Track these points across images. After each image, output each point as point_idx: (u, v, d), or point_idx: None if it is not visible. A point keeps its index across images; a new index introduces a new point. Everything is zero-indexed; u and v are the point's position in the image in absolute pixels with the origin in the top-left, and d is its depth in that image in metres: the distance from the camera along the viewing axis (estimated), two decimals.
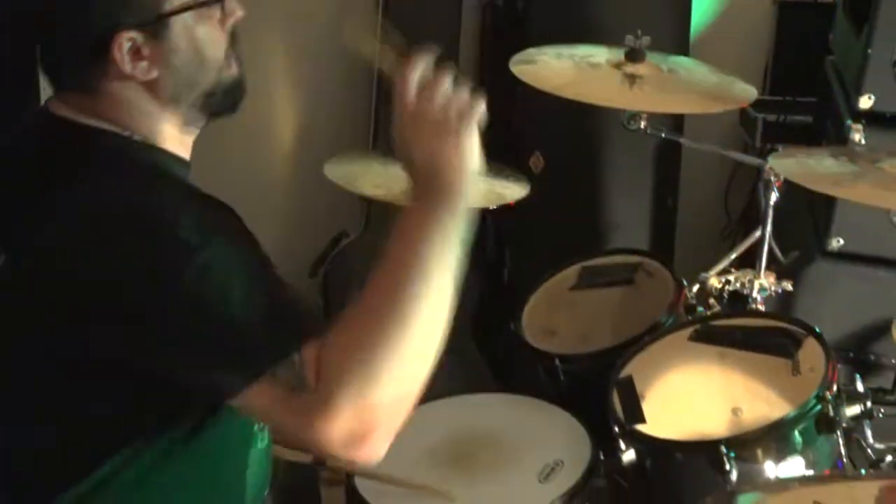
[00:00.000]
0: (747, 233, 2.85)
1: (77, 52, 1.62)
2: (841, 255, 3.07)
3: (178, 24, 1.63)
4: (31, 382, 1.61)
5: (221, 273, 1.52)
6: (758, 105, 3.64)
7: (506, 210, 3.52)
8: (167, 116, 1.68)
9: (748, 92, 2.64)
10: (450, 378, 2.99)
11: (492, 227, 3.69)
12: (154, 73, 1.63)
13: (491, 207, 2.67)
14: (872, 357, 3.08)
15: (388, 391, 1.51)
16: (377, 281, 1.59)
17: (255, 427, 1.76)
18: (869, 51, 2.92)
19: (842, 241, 3.03)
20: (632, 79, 2.60)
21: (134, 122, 1.66)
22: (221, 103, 1.72)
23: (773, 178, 2.53)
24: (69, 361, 1.57)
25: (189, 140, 1.74)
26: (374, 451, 1.52)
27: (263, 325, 1.52)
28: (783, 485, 1.86)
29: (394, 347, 1.52)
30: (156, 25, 1.61)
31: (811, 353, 2.27)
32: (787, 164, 2.46)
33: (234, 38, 1.71)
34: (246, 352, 1.52)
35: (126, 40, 1.59)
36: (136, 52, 1.61)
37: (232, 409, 1.59)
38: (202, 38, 1.66)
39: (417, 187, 1.66)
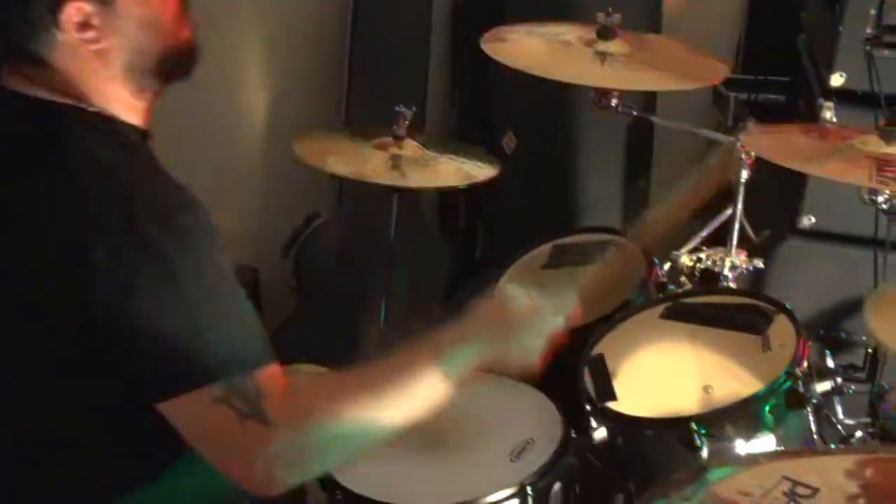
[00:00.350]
0: (719, 212, 2.84)
1: (26, 24, 1.59)
2: (812, 234, 3.07)
3: None
4: (20, 376, 1.61)
5: (189, 268, 1.52)
6: (730, 84, 3.63)
7: (477, 188, 3.53)
8: (120, 85, 1.66)
9: (720, 68, 2.63)
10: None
11: (464, 204, 3.69)
12: (104, 43, 1.61)
13: (461, 187, 2.65)
14: (843, 335, 3.09)
15: (331, 459, 1.62)
16: (388, 365, 1.65)
17: None
18: (840, 28, 2.92)
19: (813, 220, 3.04)
20: (603, 56, 2.60)
21: (88, 92, 1.63)
22: (175, 69, 1.70)
23: (743, 156, 2.52)
24: (49, 348, 1.57)
25: (143, 106, 1.71)
26: (277, 489, 1.56)
27: (224, 338, 1.52)
28: (753, 460, 1.85)
29: (360, 433, 1.58)
30: None
31: (782, 330, 2.27)
32: (759, 141, 2.46)
33: (185, 2, 1.70)
34: (201, 357, 1.51)
35: (75, 10, 1.57)
36: (85, 22, 1.59)
37: None
38: (153, 4, 1.64)
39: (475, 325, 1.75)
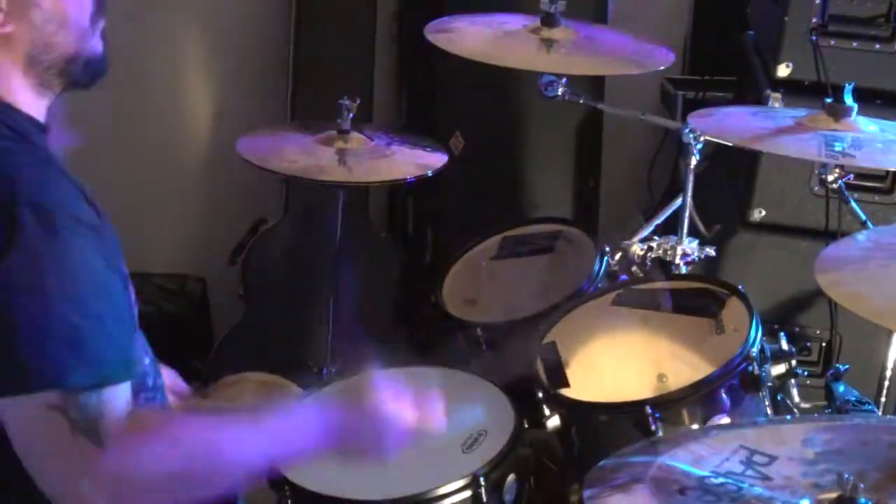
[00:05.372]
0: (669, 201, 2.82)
1: None
2: (763, 226, 3.07)
3: None
4: None
5: (57, 266, 1.46)
6: (677, 83, 3.65)
7: (426, 190, 3.51)
8: (21, 76, 1.60)
9: (667, 57, 2.62)
10: (369, 353, 2.96)
11: (412, 207, 3.66)
12: (9, 28, 1.56)
13: (409, 179, 2.62)
14: (797, 329, 3.08)
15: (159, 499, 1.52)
16: (230, 422, 1.60)
17: None
18: (786, 19, 2.93)
19: (763, 212, 3.03)
20: (548, 43, 2.58)
21: None
22: (80, 74, 1.65)
23: (692, 142, 2.51)
24: None
25: (44, 103, 1.66)
26: None
27: (81, 342, 1.46)
28: (706, 432, 1.83)
29: (194, 480, 1.52)
30: None
31: (735, 313, 2.25)
32: (707, 124, 2.44)
33: (101, 7, 1.65)
34: (46, 358, 1.44)
35: None
36: None
37: None
38: (65, 1, 1.59)
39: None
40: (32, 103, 1.63)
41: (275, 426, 1.63)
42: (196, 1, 3.64)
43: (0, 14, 1.54)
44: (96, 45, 1.65)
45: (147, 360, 1.79)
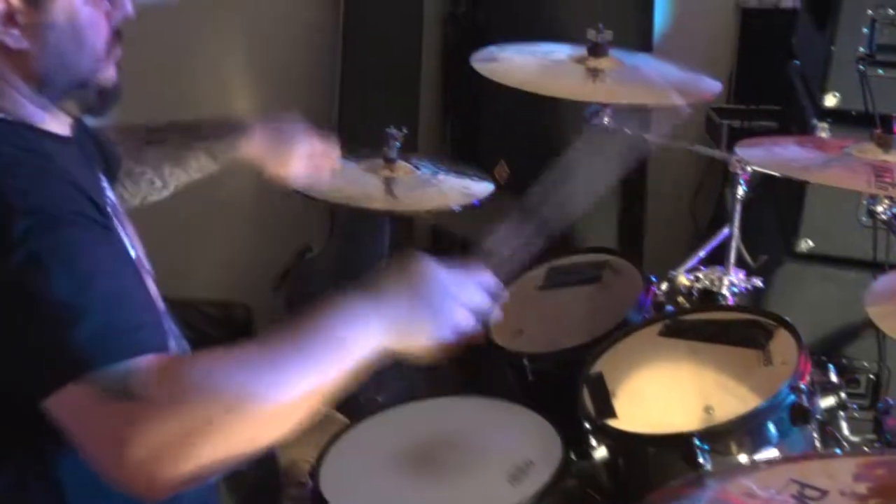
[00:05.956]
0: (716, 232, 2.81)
1: None
2: (810, 257, 3.06)
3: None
4: None
5: (58, 257, 1.44)
6: (723, 112, 3.65)
7: (472, 217, 3.50)
8: (35, 93, 1.61)
9: (713, 86, 2.61)
10: (414, 383, 2.96)
11: (459, 234, 3.65)
12: (24, 44, 1.56)
13: (455, 208, 2.62)
14: (844, 360, 3.05)
15: (218, 444, 1.42)
16: (272, 342, 1.55)
17: None
18: (832, 48, 2.92)
19: (811, 243, 3.02)
20: (594, 73, 2.58)
21: (2, 96, 1.58)
22: (93, 101, 1.66)
23: (739, 171, 2.49)
24: None
25: (66, 121, 1.67)
26: (161, 489, 1.41)
27: (95, 322, 1.42)
28: (757, 465, 1.81)
29: (243, 408, 1.44)
30: None
31: (783, 345, 2.23)
32: (755, 154, 2.43)
33: (117, 36, 1.66)
34: (67, 347, 1.41)
35: (2, 1, 1.52)
36: (9, 17, 1.54)
37: None
38: (84, 21, 1.59)
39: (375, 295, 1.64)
40: (50, 120, 1.64)
41: (321, 341, 1.57)
42: (244, 32, 3.67)
43: (16, 30, 1.55)
44: (110, 73, 1.66)
45: None
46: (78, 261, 1.46)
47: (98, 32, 1.62)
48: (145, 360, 1.43)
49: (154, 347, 1.47)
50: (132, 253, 1.69)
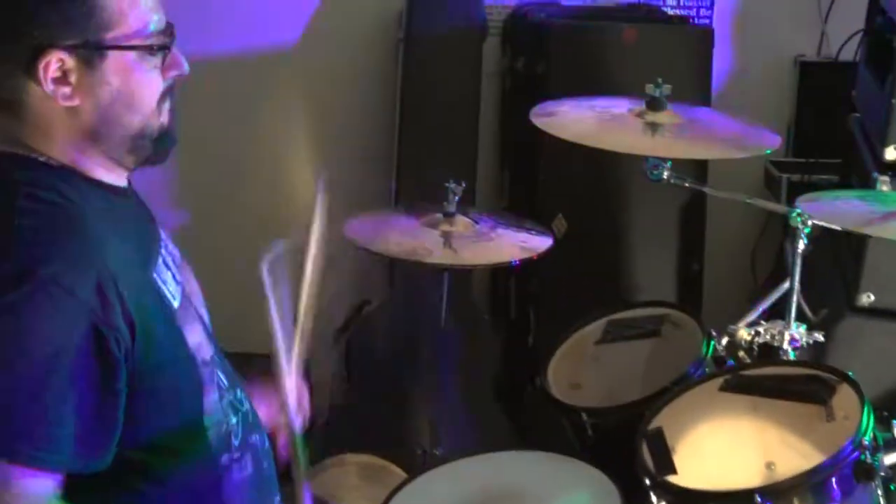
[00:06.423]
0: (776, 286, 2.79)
1: (7, 60, 1.56)
2: (871, 311, 3.01)
3: (116, 58, 1.59)
4: None
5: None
6: (782, 166, 3.63)
7: (528, 272, 3.51)
8: (89, 146, 1.62)
9: (772, 139, 2.60)
10: (470, 441, 2.96)
11: (514, 289, 3.66)
12: (76, 101, 1.58)
13: (514, 262, 2.62)
14: None
15: None
16: None
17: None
18: (893, 101, 2.90)
19: (872, 297, 2.98)
20: (654, 127, 2.58)
21: (52, 145, 1.61)
22: (150, 151, 1.67)
23: (800, 225, 2.48)
24: None
25: (122, 173, 1.69)
26: None
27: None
28: None
29: None
30: (91, 53, 1.57)
31: (845, 400, 2.21)
32: (815, 208, 2.42)
33: (171, 89, 1.67)
34: None
35: (56, 60, 1.55)
36: (63, 75, 1.56)
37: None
38: (136, 81, 1.61)
39: None
40: (104, 173, 1.66)
41: None
42: (305, 88, 3.71)
43: (69, 87, 1.57)
44: (163, 122, 1.66)
45: (234, 420, 1.78)
46: (24, 342, 1.46)
47: (151, 91, 1.64)
48: (31, 484, 1.46)
49: (63, 465, 1.49)
50: (174, 302, 1.69)
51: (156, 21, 1.62)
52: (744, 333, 2.58)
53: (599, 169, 3.38)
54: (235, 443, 1.76)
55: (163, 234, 1.80)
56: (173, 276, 1.73)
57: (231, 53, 3.44)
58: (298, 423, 1.88)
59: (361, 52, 3.69)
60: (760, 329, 2.58)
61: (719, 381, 2.37)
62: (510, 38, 3.68)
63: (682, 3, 3.77)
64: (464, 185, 2.69)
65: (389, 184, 3.62)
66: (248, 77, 3.54)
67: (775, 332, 2.57)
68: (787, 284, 2.61)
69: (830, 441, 2.13)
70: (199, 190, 3.50)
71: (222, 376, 1.79)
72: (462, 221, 2.71)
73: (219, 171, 3.50)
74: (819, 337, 2.58)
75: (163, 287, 1.68)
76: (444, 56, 3.57)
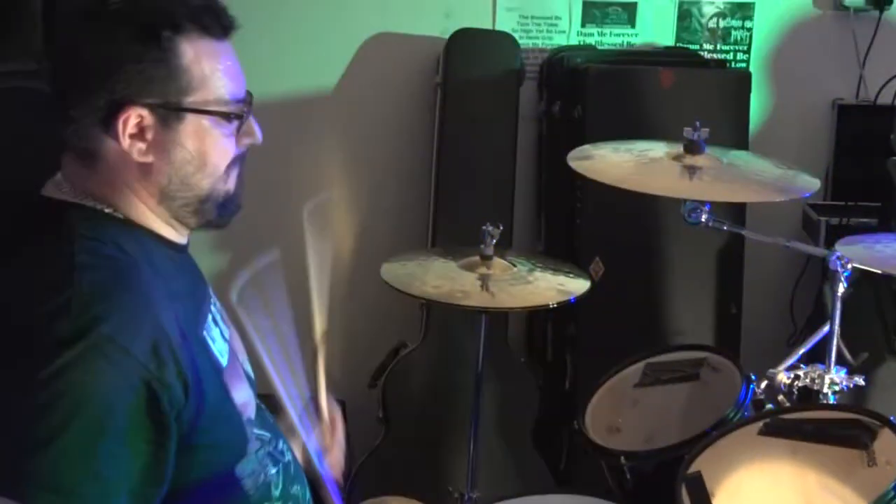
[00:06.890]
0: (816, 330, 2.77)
1: (88, 111, 1.58)
2: None
3: (193, 121, 1.61)
4: None
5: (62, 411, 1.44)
6: (820, 209, 3.62)
7: (565, 315, 3.50)
8: (156, 203, 1.65)
9: (811, 183, 2.59)
10: (507, 484, 2.94)
11: (551, 332, 3.65)
12: (149, 158, 1.61)
13: (552, 305, 2.62)
14: None
15: None
16: None
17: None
18: None
19: None
20: (692, 170, 2.58)
21: (120, 198, 1.63)
22: (213, 214, 1.69)
23: (840, 269, 2.47)
24: None
25: (184, 231, 1.71)
26: None
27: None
28: None
29: None
30: (170, 114, 1.59)
31: (887, 445, 2.19)
32: (855, 251, 2.41)
33: (242, 157, 1.70)
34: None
35: (135, 116, 1.58)
36: (139, 132, 1.59)
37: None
38: (210, 145, 1.64)
39: None
40: (168, 230, 1.68)
41: None
42: (343, 132, 3.73)
43: (143, 144, 1.60)
44: (229, 188, 1.69)
45: (274, 470, 1.78)
46: (72, 408, 1.45)
47: (222, 157, 1.66)
48: None
49: None
50: (223, 360, 1.70)
51: (236, 89, 1.65)
52: (783, 377, 2.57)
53: (637, 212, 3.38)
54: (276, 493, 1.77)
55: (211, 292, 1.81)
56: (221, 334, 1.75)
57: (270, 96, 3.47)
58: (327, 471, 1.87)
59: (399, 97, 3.71)
60: (800, 373, 2.57)
61: (759, 424, 2.35)
62: (547, 83, 3.69)
63: (718, 48, 3.77)
64: (501, 227, 2.69)
65: (426, 226, 3.63)
66: (286, 120, 3.56)
67: (815, 375, 2.55)
68: (826, 328, 2.60)
69: (872, 486, 2.11)
70: (236, 236, 3.49)
71: (264, 430, 1.80)
72: (499, 264, 2.70)
73: (255, 214, 3.49)
74: (860, 381, 2.56)
75: (212, 345, 1.69)
76: (481, 100, 3.59)
